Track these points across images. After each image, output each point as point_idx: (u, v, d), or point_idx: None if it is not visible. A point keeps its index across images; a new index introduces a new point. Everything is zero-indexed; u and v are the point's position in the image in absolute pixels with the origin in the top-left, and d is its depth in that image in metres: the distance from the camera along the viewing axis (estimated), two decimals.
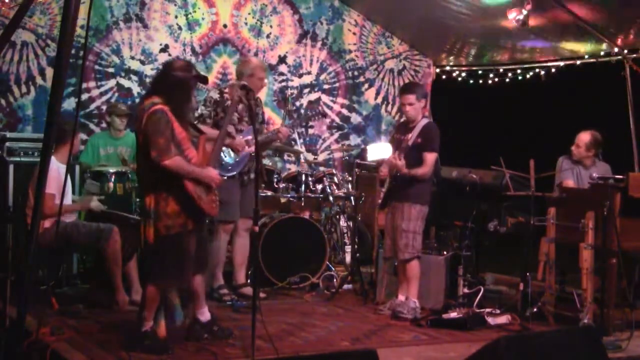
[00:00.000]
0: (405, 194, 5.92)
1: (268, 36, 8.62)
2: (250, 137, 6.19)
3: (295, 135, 8.00)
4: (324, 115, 7.36)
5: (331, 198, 7.66)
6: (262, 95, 8.49)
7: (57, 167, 5.64)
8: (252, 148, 6.13)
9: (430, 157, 5.91)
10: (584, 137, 6.46)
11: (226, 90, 6.26)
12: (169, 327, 4.81)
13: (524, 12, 6.90)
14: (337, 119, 9.05)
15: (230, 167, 6.21)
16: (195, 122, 5.83)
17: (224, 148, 6.15)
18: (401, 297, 5.99)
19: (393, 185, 5.98)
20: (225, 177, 6.16)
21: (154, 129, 4.59)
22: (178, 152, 4.66)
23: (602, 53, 7.89)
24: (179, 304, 5.02)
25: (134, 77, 7.90)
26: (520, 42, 8.35)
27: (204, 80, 5.01)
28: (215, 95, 6.24)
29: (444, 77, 9.54)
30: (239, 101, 6.17)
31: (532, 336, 4.65)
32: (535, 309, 5.73)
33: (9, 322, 3.03)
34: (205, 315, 5.02)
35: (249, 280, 6.69)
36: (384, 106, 9.29)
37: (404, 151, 5.91)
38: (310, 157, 8.54)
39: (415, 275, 5.94)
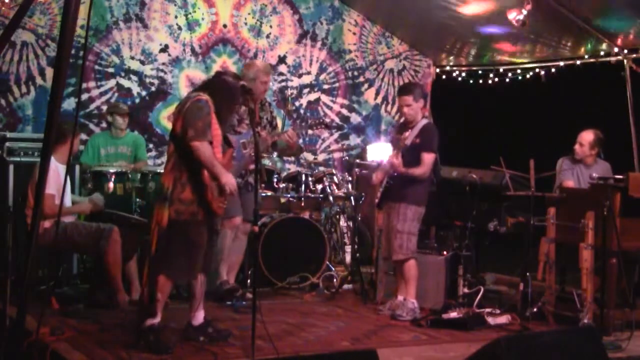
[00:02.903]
0: (401, 195, 5.90)
1: (268, 36, 8.63)
2: (246, 140, 6.18)
3: None
4: (327, 126, 7.43)
5: (331, 198, 7.66)
6: None
7: (55, 167, 5.64)
8: (250, 150, 6.12)
9: (428, 158, 5.89)
10: (587, 136, 6.46)
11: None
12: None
13: (524, 12, 6.90)
14: (337, 119, 9.06)
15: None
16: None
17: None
18: (400, 298, 5.99)
19: (390, 185, 5.97)
20: None
21: (197, 112, 4.73)
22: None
23: (602, 53, 7.89)
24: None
25: (134, 77, 7.91)
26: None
27: (249, 91, 5.09)
28: None
29: (444, 77, 9.54)
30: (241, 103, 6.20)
31: (532, 336, 4.64)
32: (535, 309, 5.73)
33: (9, 322, 3.03)
34: (197, 319, 4.99)
35: (249, 281, 6.69)
36: (383, 106, 9.30)
37: (401, 151, 5.90)
38: (310, 157, 8.55)
39: (413, 276, 5.93)
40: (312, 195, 7.46)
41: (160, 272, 4.76)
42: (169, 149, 4.91)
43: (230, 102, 5.00)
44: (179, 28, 8.15)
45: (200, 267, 4.87)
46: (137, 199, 6.64)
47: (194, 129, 4.69)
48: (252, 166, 6.12)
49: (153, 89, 8.04)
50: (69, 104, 7.39)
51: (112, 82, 7.83)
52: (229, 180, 4.81)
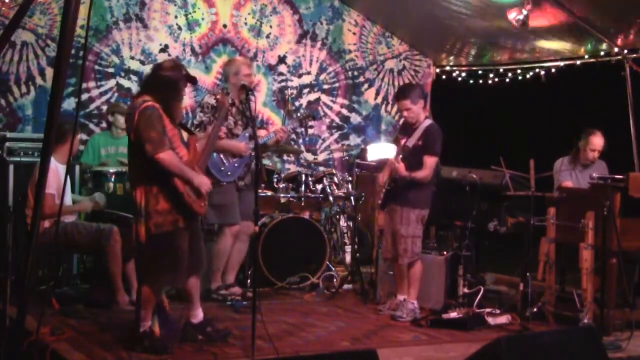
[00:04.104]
0: (403, 198, 5.88)
1: (268, 36, 8.62)
2: (247, 142, 6.19)
3: (293, 135, 7.98)
4: (314, 117, 7.42)
5: (331, 198, 7.66)
6: (262, 95, 8.52)
7: (55, 167, 5.64)
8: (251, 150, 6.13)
9: (430, 161, 5.86)
10: (599, 141, 6.44)
11: (218, 97, 6.20)
12: (165, 330, 4.81)
13: (524, 12, 6.90)
14: (337, 119, 9.06)
15: (229, 173, 6.21)
16: (197, 130, 5.83)
17: (221, 155, 6.14)
18: (400, 298, 5.99)
19: (392, 187, 5.96)
20: (225, 183, 6.17)
21: (147, 123, 4.60)
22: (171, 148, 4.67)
23: (602, 53, 7.89)
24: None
25: (134, 77, 7.90)
26: (520, 42, 8.32)
27: (193, 80, 5.00)
28: (211, 101, 6.20)
29: (444, 77, 9.53)
30: (233, 104, 6.20)
31: (532, 336, 4.65)
32: (535, 309, 5.73)
33: (9, 322, 3.03)
34: (197, 317, 4.99)
35: (249, 281, 6.69)
36: (383, 106, 9.29)
37: (404, 153, 5.89)
38: (310, 157, 8.54)
39: (417, 278, 5.94)
40: (312, 195, 7.46)
41: (145, 284, 4.75)
42: (132, 161, 4.81)
43: (176, 96, 4.84)
44: (179, 28, 8.15)
45: (186, 272, 4.81)
46: None
47: (150, 142, 4.57)
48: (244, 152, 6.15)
49: None
50: (69, 104, 7.39)
51: (112, 82, 7.82)
52: (202, 181, 4.76)
